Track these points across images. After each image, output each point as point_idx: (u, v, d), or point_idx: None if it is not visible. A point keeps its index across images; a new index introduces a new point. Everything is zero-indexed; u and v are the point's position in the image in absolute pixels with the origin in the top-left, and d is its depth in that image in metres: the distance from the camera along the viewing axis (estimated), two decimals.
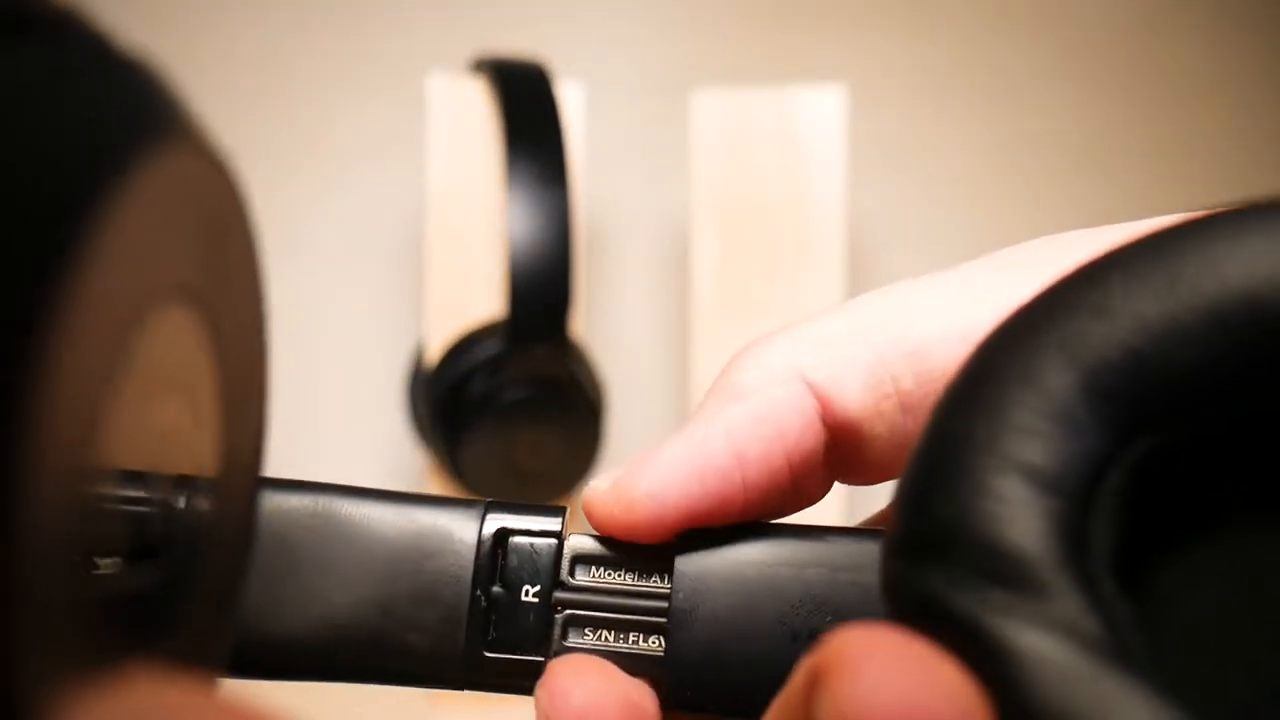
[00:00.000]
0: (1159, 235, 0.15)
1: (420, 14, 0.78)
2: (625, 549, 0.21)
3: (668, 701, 0.20)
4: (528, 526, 0.21)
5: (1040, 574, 0.14)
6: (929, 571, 0.15)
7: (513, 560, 0.21)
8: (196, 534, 0.15)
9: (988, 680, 0.14)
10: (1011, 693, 0.14)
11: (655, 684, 0.20)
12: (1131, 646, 0.14)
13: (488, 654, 0.20)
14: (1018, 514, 0.14)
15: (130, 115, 0.11)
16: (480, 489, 0.57)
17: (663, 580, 0.20)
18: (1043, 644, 0.14)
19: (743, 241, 0.59)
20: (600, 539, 0.21)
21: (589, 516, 0.21)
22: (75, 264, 0.10)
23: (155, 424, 0.12)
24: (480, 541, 0.21)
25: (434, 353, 0.59)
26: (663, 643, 0.20)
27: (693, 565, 0.20)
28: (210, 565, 0.15)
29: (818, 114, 0.59)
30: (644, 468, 0.20)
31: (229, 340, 0.14)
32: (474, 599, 0.20)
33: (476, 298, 0.60)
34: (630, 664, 0.20)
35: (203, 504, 0.15)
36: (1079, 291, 0.15)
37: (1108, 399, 0.15)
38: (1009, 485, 0.14)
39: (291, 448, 0.80)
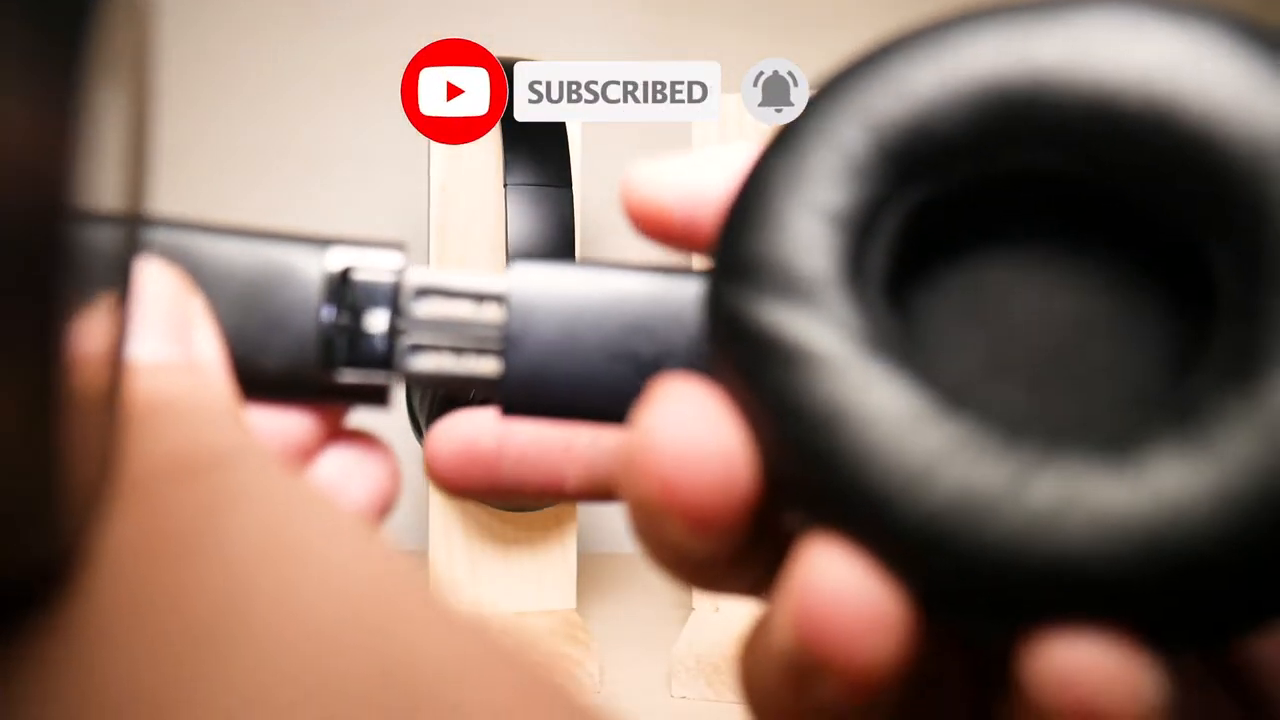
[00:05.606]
0: (940, 25, 0.19)
1: (423, 11, 0.79)
2: (463, 281, 0.22)
3: (505, 412, 0.22)
4: (370, 262, 0.22)
5: (824, 289, 0.18)
6: (739, 288, 0.18)
7: (357, 293, 0.22)
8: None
9: (778, 373, 0.17)
10: (796, 380, 0.17)
11: (493, 400, 0.22)
12: (890, 341, 0.18)
13: (335, 376, 0.22)
14: (810, 245, 0.18)
15: None
16: None
17: (497, 309, 0.22)
18: (822, 339, 0.18)
19: None
20: (439, 273, 0.22)
21: (627, 193, 0.21)
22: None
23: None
24: (326, 275, 0.22)
25: None
26: (498, 364, 0.21)
27: (525, 296, 0.21)
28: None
29: None
30: (685, 172, 0.21)
31: (138, 97, 0.16)
32: (321, 327, 0.21)
33: None
34: (468, 383, 0.22)
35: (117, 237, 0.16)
36: (870, 67, 0.19)
37: (887, 156, 0.18)
38: (804, 222, 0.18)
39: None
